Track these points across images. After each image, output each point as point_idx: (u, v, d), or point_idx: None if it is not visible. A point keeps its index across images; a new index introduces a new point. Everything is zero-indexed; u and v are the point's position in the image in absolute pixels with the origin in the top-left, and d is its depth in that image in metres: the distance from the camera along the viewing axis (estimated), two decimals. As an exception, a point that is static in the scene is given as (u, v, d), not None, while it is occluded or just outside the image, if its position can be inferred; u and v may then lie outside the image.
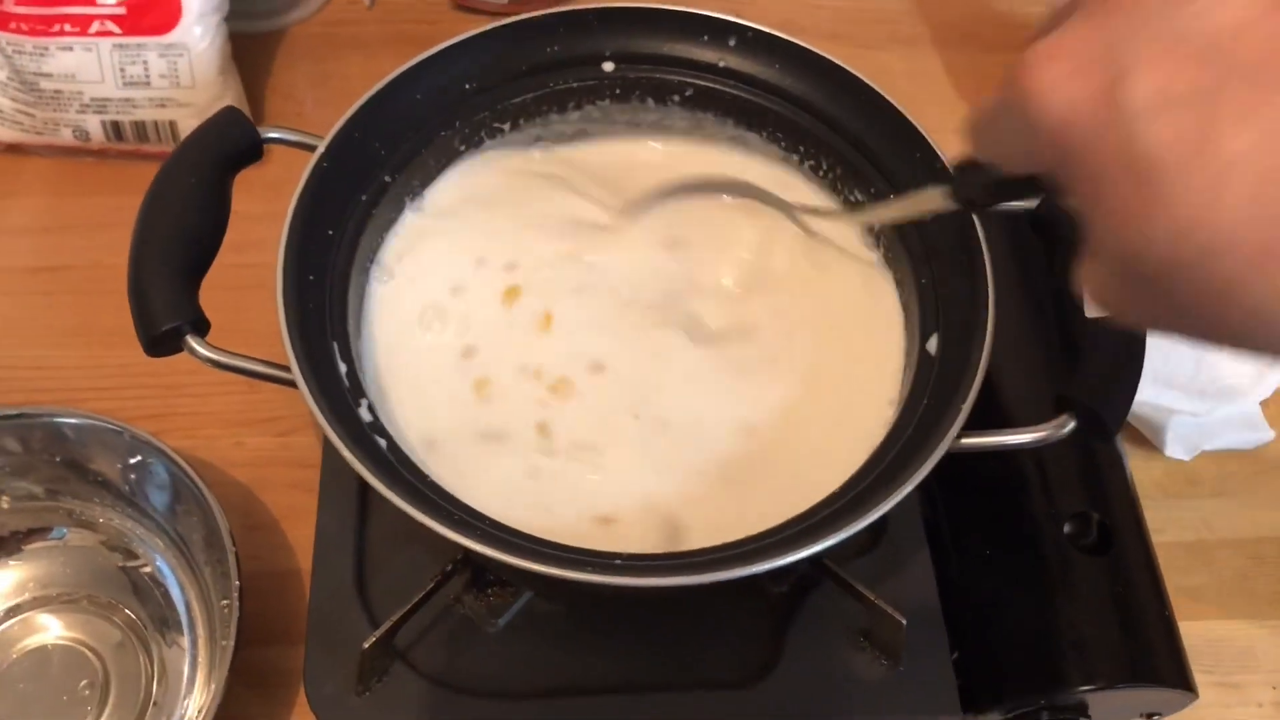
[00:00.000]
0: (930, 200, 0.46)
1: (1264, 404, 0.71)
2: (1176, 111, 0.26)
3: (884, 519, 0.47)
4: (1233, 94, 0.25)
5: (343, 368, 0.50)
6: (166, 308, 0.47)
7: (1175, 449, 0.69)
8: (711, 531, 0.47)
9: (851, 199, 0.58)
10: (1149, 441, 0.70)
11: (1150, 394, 0.68)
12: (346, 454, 0.45)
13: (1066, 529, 0.59)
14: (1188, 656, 0.57)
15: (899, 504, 0.45)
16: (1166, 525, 0.67)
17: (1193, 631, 0.60)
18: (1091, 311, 0.52)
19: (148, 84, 0.75)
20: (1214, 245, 0.26)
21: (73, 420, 0.61)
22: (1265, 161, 0.25)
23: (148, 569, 0.63)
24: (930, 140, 0.54)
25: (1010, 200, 0.50)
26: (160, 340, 0.47)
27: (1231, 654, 0.65)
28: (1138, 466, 0.69)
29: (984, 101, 0.33)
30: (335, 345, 0.50)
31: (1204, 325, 0.28)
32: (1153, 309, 0.29)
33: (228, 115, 0.53)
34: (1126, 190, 0.27)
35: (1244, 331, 0.27)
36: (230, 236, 0.52)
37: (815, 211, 0.58)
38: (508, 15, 0.88)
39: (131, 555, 0.63)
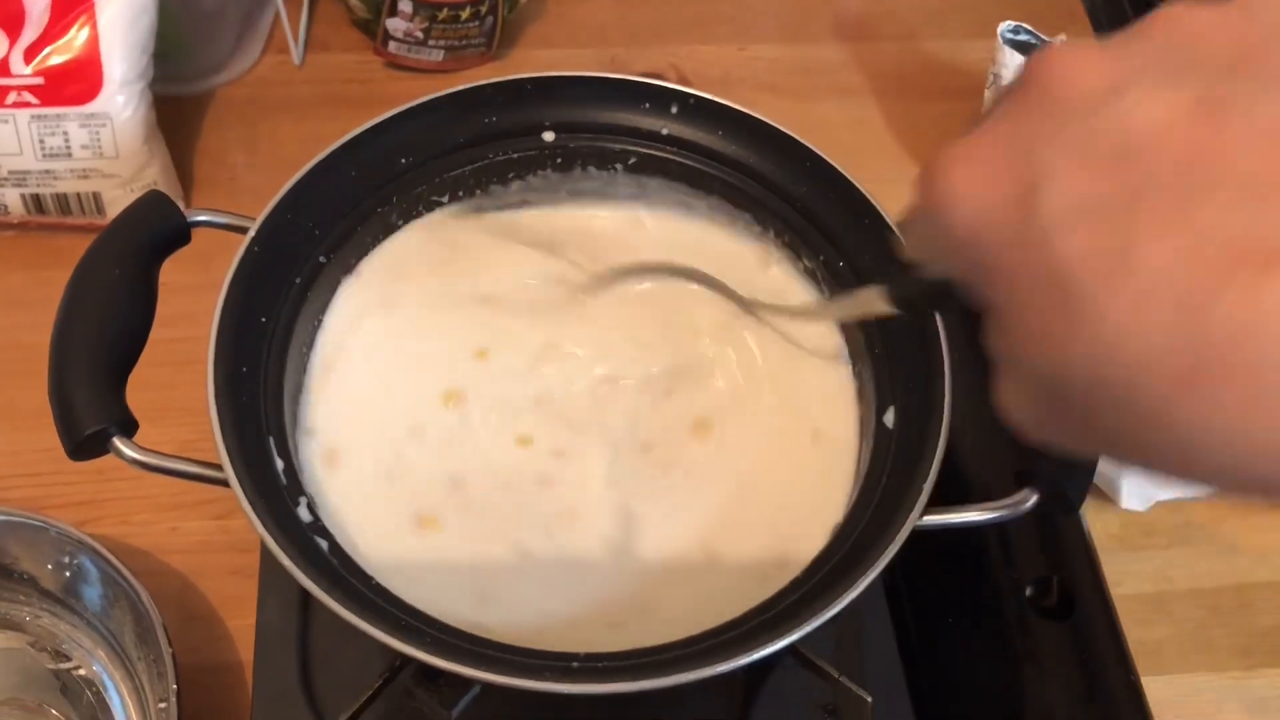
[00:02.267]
0: (871, 301, 0.43)
1: (1216, 451, 0.71)
2: (1093, 223, 0.24)
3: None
4: (1150, 204, 0.23)
5: (280, 464, 0.48)
6: (90, 411, 0.44)
7: (1131, 501, 0.69)
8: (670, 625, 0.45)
9: (805, 265, 0.57)
10: (1105, 494, 0.70)
11: (1104, 447, 0.67)
12: (285, 560, 0.43)
13: (1028, 593, 0.58)
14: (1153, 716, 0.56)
15: (862, 582, 0.43)
16: (1125, 578, 0.67)
17: (1155, 687, 0.59)
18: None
19: (69, 155, 0.72)
20: (1138, 369, 0.24)
21: (-7, 518, 0.58)
22: (1186, 280, 0.23)
23: (80, 670, 0.59)
24: (878, 207, 0.54)
25: (950, 308, 0.47)
26: (85, 445, 0.44)
27: (1194, 710, 0.64)
28: (1094, 519, 0.68)
29: (910, 200, 0.31)
30: (271, 440, 0.48)
31: (1132, 451, 0.26)
32: (1076, 432, 0.27)
33: (152, 200, 0.50)
34: (1043, 309, 0.25)
35: (1175, 459, 0.25)
36: (160, 310, 0.50)
37: (763, 307, 0.56)
38: (442, 72, 0.88)
39: (62, 656, 0.60)
